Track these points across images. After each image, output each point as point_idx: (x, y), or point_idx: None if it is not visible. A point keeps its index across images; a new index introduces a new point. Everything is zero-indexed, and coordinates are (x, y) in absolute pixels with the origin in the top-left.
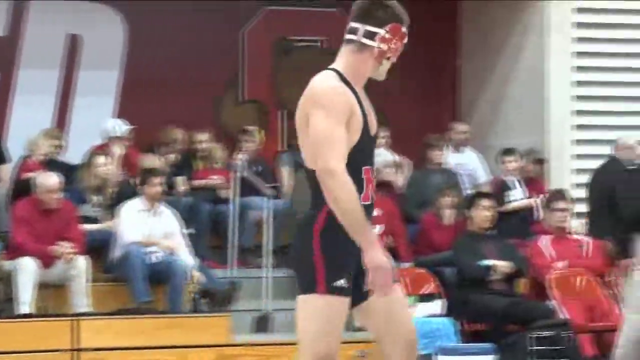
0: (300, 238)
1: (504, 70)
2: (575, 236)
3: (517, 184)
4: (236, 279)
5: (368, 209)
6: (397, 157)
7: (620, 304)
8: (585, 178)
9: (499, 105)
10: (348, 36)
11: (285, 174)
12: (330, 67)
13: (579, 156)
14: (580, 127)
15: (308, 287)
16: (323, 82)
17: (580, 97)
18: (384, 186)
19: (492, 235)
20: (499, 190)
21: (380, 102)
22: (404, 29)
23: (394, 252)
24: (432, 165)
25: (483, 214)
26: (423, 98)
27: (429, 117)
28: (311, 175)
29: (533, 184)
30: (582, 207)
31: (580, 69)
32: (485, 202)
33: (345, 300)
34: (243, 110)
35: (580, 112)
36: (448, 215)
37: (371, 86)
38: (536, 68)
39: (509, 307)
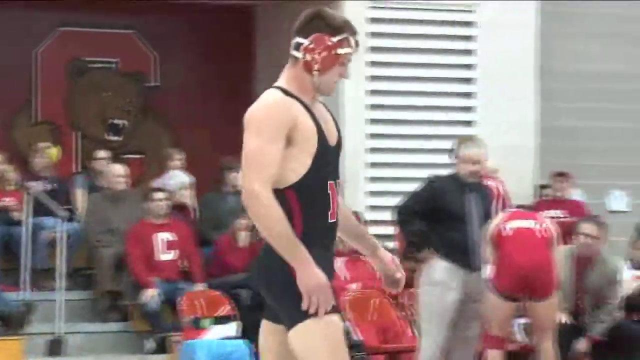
0: (274, 268)
1: None
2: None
3: None
4: (29, 301)
5: (333, 228)
6: (192, 179)
7: (413, 325)
8: (379, 200)
9: None
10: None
11: (79, 196)
12: (274, 84)
13: (373, 179)
14: (374, 150)
15: (300, 315)
16: (261, 100)
17: (374, 121)
18: (178, 208)
19: None
20: None
21: (174, 123)
22: (333, 40)
23: (188, 275)
24: (228, 188)
25: None
26: (219, 120)
27: (225, 139)
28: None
29: None
30: (377, 229)
31: (374, 92)
32: None
33: (338, 317)
34: (37, 131)
35: (374, 135)
36: (243, 238)
37: (166, 108)
38: None
39: None
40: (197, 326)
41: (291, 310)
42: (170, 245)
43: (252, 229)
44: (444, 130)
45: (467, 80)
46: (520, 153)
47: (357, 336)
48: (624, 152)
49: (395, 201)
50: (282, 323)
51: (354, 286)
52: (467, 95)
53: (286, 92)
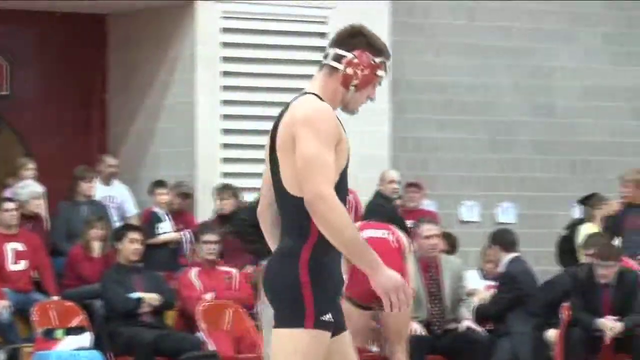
0: (282, 270)
1: (154, 104)
2: (222, 268)
3: (166, 216)
4: None
5: None
6: (44, 188)
7: None
8: None
9: (148, 138)
10: (323, 61)
11: None
12: (308, 91)
13: None
14: (228, 160)
15: (293, 321)
16: (313, 104)
17: (228, 131)
18: (31, 218)
19: (140, 267)
20: (149, 223)
21: (26, 132)
22: (376, 60)
23: (40, 286)
24: (81, 197)
25: (132, 246)
26: (72, 130)
27: (78, 149)
28: (293, 202)
29: (182, 216)
30: None
31: (228, 102)
32: (134, 235)
33: (329, 335)
34: None
35: (227, 146)
36: (97, 248)
37: (18, 117)
38: (185, 102)
39: (158, 339)
40: (50, 337)
41: (285, 313)
42: (20, 256)
43: (106, 239)
44: None
45: None
46: (374, 164)
47: (212, 346)
48: (475, 163)
49: None
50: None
51: (208, 296)
52: None
53: (322, 100)
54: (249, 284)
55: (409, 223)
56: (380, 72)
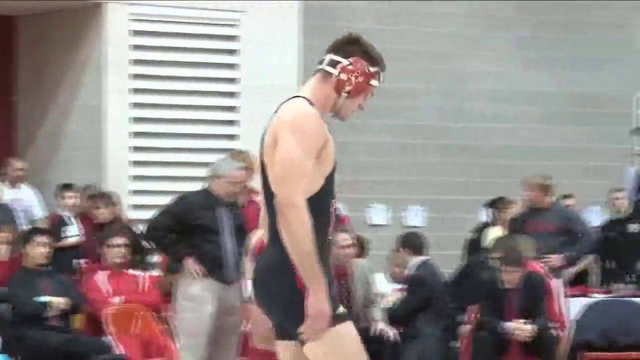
0: (281, 289)
1: (62, 107)
2: (132, 271)
3: (73, 219)
4: None
5: (329, 244)
6: None
7: (175, 338)
8: (143, 214)
9: (57, 141)
10: (318, 66)
11: None
12: (299, 94)
13: (137, 192)
14: (138, 163)
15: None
16: (301, 108)
17: (138, 134)
18: None
19: (49, 271)
20: (56, 226)
21: None
22: (371, 69)
23: None
24: None
25: (38, 250)
26: None
27: None
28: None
29: (90, 219)
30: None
31: (138, 105)
32: (42, 239)
33: (352, 324)
34: None
35: (137, 149)
36: (3, 252)
37: None
38: (94, 105)
39: (66, 343)
40: None
41: (299, 324)
42: None
43: (13, 243)
44: (208, 144)
45: (231, 95)
46: None
47: (120, 350)
48: (385, 167)
49: None
50: (290, 338)
51: (116, 300)
52: (231, 109)
53: (311, 105)
54: (158, 287)
55: None
56: (373, 82)
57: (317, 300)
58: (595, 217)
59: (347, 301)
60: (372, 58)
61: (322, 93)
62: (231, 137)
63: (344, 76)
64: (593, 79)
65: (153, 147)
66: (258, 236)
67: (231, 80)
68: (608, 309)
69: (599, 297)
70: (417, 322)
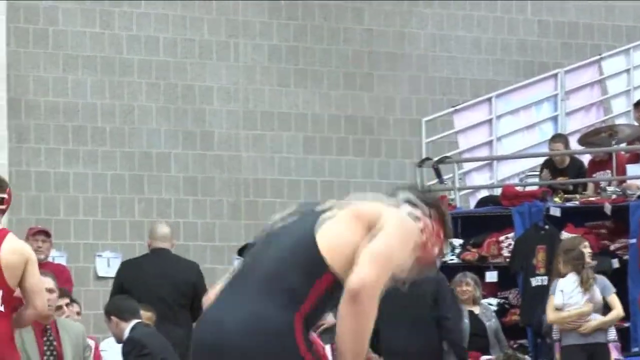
0: (277, 352)
1: None
2: None
3: None
4: None
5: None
6: None
7: None
8: None
9: None
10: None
11: None
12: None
13: None
14: None
15: None
16: (400, 213)
17: None
18: None
19: None
20: None
21: None
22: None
23: None
24: None
25: None
26: None
27: None
28: (306, 260)
29: None
30: None
31: None
32: None
33: None
34: None
35: None
36: None
37: None
38: None
39: None
40: None
41: None
42: None
43: None
44: None
45: None
46: None
47: None
48: (115, 203)
49: None
50: None
51: None
52: None
53: None
54: None
55: None
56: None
57: None
58: None
59: None
60: (446, 230)
61: None
62: None
63: (421, 225)
64: (361, 98)
65: None
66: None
67: None
68: None
69: None
70: None
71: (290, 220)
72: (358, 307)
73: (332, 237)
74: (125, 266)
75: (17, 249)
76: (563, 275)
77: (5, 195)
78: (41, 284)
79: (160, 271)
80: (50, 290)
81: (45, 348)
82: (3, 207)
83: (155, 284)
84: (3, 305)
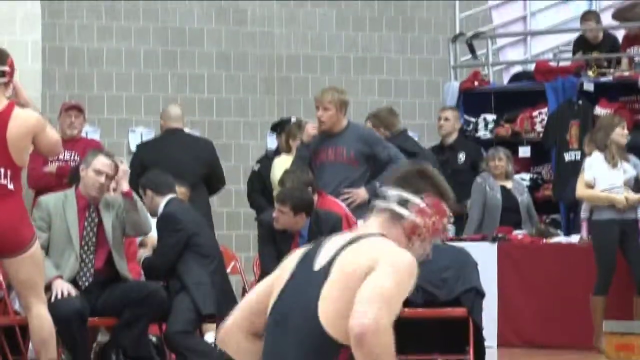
0: None
1: None
2: None
3: None
4: None
5: None
6: None
7: None
8: None
9: None
10: (379, 203)
11: None
12: (381, 232)
13: None
14: None
15: None
16: (396, 247)
17: None
18: None
19: None
20: None
21: None
22: (444, 207)
23: None
24: None
25: None
26: None
27: None
28: (316, 341)
29: None
30: None
31: None
32: None
33: None
34: None
35: None
36: None
37: None
38: None
39: None
40: None
41: None
42: None
43: None
44: None
45: None
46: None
47: None
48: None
49: None
50: None
51: None
52: None
53: None
54: None
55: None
56: (446, 221)
57: None
58: None
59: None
60: (443, 194)
61: (393, 237)
62: None
63: (419, 220)
64: None
65: None
66: None
67: None
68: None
69: None
70: (180, 270)
71: (292, 288)
72: (366, 349)
73: (334, 312)
74: (143, 147)
75: (23, 123)
76: (589, 153)
77: (7, 68)
78: (54, 140)
79: (178, 150)
80: (105, 175)
81: (85, 224)
82: (5, 79)
83: (174, 163)
84: (12, 183)
